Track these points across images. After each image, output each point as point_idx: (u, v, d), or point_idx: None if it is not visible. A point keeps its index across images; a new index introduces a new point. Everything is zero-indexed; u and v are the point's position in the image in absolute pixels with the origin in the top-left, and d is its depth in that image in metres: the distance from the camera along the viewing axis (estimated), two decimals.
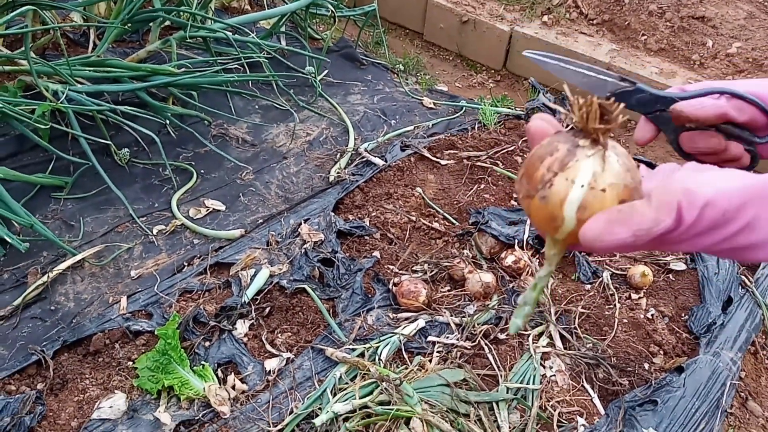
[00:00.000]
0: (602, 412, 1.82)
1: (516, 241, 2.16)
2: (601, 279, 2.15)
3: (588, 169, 0.61)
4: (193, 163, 2.48)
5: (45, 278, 1.99)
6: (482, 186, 2.44)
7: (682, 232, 0.62)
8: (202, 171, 2.47)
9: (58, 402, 1.69)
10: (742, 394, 1.96)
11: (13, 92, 2.25)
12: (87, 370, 1.76)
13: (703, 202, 0.61)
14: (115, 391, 1.71)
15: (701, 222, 0.61)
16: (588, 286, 2.14)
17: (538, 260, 2.14)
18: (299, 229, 2.15)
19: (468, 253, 2.12)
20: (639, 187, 0.64)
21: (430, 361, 1.83)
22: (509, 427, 1.73)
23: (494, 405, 1.78)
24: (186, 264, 2.08)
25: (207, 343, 1.83)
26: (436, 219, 2.30)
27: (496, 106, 2.99)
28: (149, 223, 2.25)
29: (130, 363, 1.78)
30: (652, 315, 2.07)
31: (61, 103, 2.19)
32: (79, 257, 2.07)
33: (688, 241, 0.63)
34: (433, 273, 2.06)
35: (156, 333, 1.74)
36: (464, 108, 3.00)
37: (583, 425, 1.78)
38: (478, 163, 2.52)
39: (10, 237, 2.02)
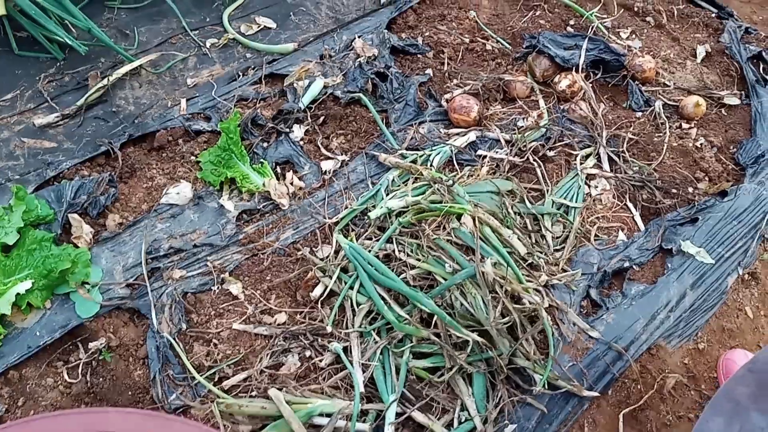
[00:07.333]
0: (642, 228, 1.88)
1: (571, 64, 2.13)
2: (652, 108, 2.14)
3: None
4: None
5: (105, 81, 2.03)
6: (537, 13, 2.37)
7: None
8: None
9: (129, 187, 1.79)
10: None
11: None
12: (153, 162, 1.85)
13: None
14: (181, 180, 1.80)
15: None
16: (639, 114, 2.13)
17: (591, 84, 2.13)
18: (353, 44, 2.14)
19: (522, 78, 2.11)
20: None
21: (480, 170, 1.88)
22: (552, 236, 1.81)
23: (539, 217, 1.85)
24: (241, 74, 2.11)
25: (265, 144, 1.90)
26: (490, 42, 2.26)
27: None
28: (202, 36, 2.25)
29: (193, 157, 1.86)
30: (701, 144, 2.08)
31: None
32: (136, 63, 2.10)
33: None
34: (485, 88, 2.06)
35: (219, 127, 1.80)
36: None
37: (623, 240, 1.84)
38: None
39: (70, 39, 2.05)
